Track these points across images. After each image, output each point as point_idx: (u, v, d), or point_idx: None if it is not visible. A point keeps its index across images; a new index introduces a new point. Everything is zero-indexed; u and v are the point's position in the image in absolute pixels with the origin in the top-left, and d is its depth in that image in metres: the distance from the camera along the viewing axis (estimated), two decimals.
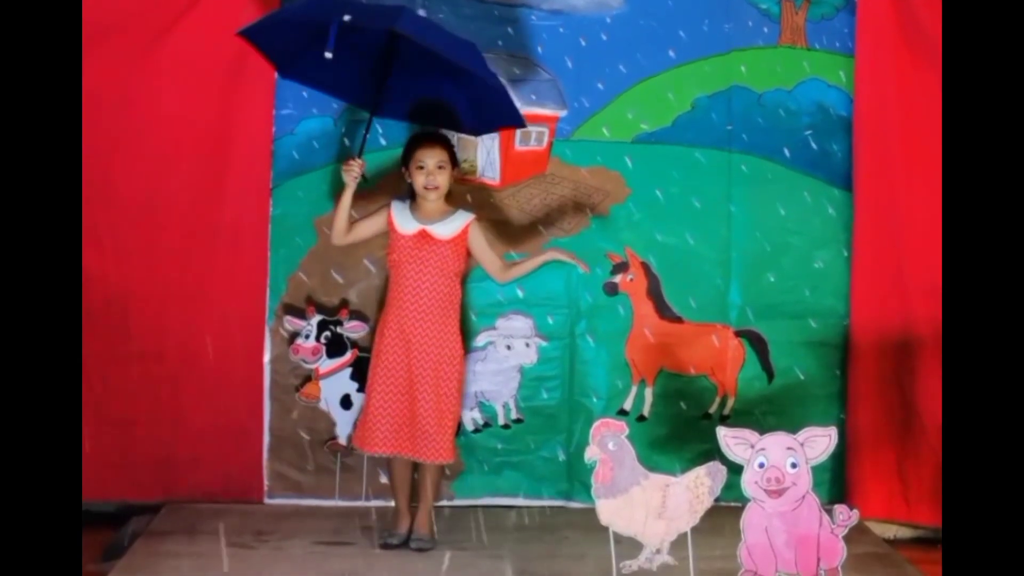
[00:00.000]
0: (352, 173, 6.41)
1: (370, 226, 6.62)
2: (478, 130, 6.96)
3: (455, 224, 6.54)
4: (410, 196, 6.62)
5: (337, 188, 7.09)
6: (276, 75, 7.02)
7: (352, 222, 6.55)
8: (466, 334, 6.84)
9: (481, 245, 6.62)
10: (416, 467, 6.60)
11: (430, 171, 6.46)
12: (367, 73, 6.55)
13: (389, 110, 6.83)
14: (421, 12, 7.08)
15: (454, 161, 6.62)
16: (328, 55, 5.99)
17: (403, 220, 6.52)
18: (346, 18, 6.00)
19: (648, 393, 7.35)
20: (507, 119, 6.75)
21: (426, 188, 6.47)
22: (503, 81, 6.74)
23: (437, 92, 6.74)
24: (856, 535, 5.54)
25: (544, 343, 7.28)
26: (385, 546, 6.47)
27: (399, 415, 6.46)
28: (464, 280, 6.75)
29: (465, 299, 6.93)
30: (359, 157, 6.49)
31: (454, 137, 7.04)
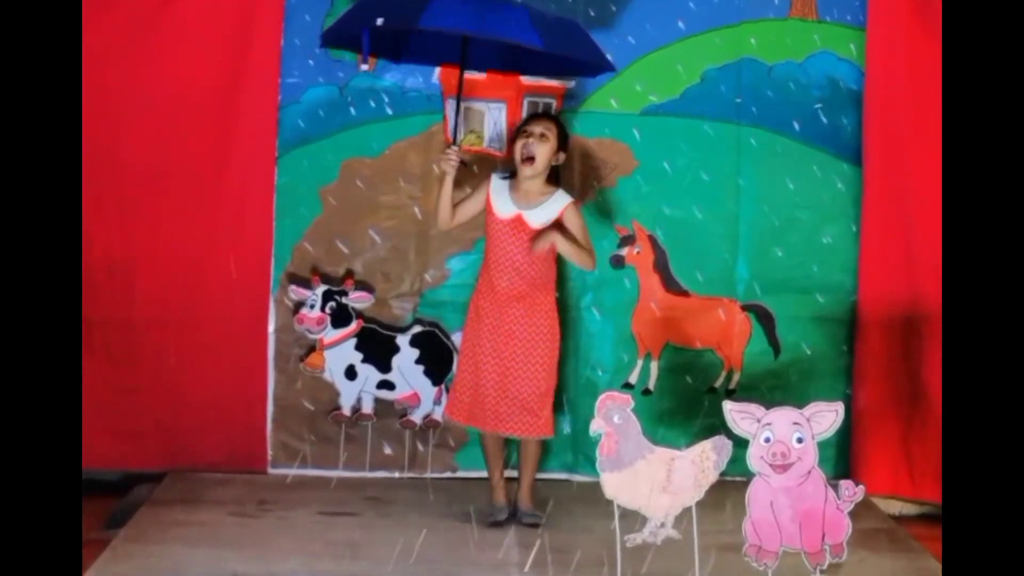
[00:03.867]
0: (451, 162, 6.40)
1: (473, 206, 6.58)
2: (596, 70, 6.84)
3: (551, 209, 6.45)
4: (512, 174, 6.59)
5: (343, 157, 7.26)
6: (282, 42, 7.11)
7: (455, 204, 6.54)
8: None
9: (577, 228, 6.48)
10: (518, 442, 6.67)
11: (531, 134, 6.40)
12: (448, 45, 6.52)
13: (475, 63, 6.78)
14: None
15: (562, 144, 6.52)
16: (364, 67, 6.34)
17: (501, 202, 6.47)
18: (379, 22, 5.95)
19: (654, 367, 7.38)
20: (592, 68, 6.74)
21: (523, 157, 6.40)
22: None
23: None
24: (861, 511, 5.51)
25: None
26: (494, 524, 6.47)
27: (486, 390, 6.46)
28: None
29: (470, 270, 7.00)
30: (454, 144, 6.49)
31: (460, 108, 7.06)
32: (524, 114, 7.18)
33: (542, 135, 6.41)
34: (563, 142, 6.54)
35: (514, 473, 6.77)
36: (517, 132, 6.57)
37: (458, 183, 6.52)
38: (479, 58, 6.74)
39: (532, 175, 6.44)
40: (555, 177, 6.62)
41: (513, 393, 6.42)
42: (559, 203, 6.47)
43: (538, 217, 6.42)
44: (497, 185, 6.53)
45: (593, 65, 6.65)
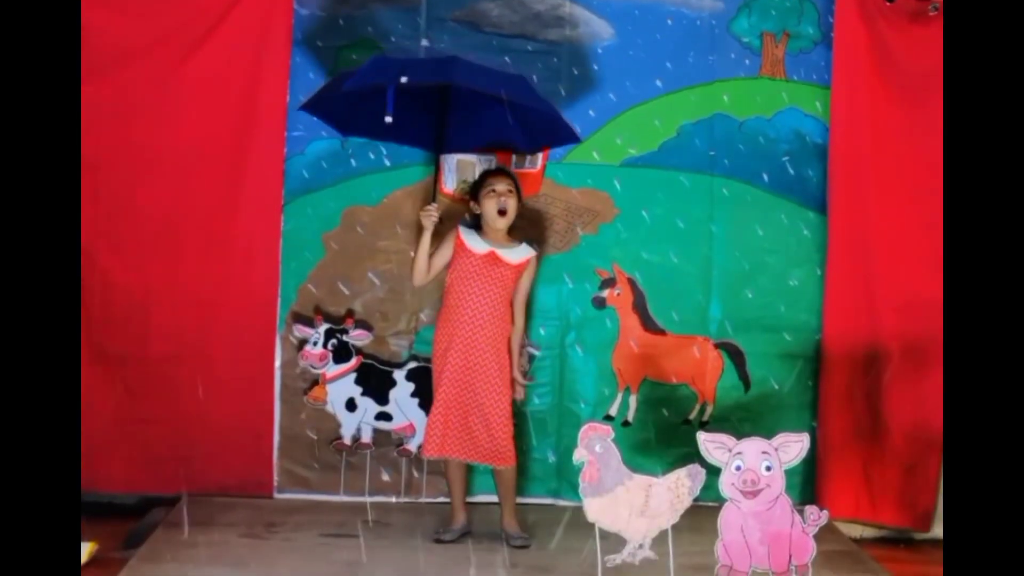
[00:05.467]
0: (432, 217, 6.52)
1: (444, 255, 6.67)
2: (532, 148, 7.14)
3: (521, 253, 6.64)
4: (476, 225, 6.74)
5: (344, 205, 7.36)
6: (287, 99, 7.20)
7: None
8: None
9: (529, 278, 6.71)
10: (492, 473, 6.74)
11: (501, 193, 6.59)
12: (424, 117, 6.64)
13: (451, 145, 6.96)
14: (424, 42, 7.24)
15: (519, 195, 6.74)
16: (388, 119, 6.20)
17: (473, 241, 6.60)
18: (403, 80, 6.15)
19: (633, 400, 7.45)
20: (561, 137, 6.95)
21: (499, 212, 6.58)
22: (554, 106, 6.87)
23: (492, 121, 6.85)
24: (825, 534, 5.56)
25: (536, 352, 7.38)
26: (437, 541, 6.57)
27: (457, 421, 6.54)
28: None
29: None
30: (434, 201, 6.63)
31: (452, 160, 7.27)
32: (513, 166, 7.28)
33: (509, 191, 6.62)
34: (519, 194, 6.75)
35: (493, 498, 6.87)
36: (480, 189, 6.70)
37: (433, 237, 6.60)
38: (459, 140, 6.97)
39: (505, 225, 6.64)
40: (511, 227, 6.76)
41: (487, 426, 6.52)
42: (527, 252, 6.68)
43: (511, 256, 6.61)
44: (466, 231, 6.67)
45: (563, 137, 6.96)
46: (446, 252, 6.68)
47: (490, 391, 6.56)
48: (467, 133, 6.97)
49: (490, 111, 6.74)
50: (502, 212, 6.60)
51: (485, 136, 7.06)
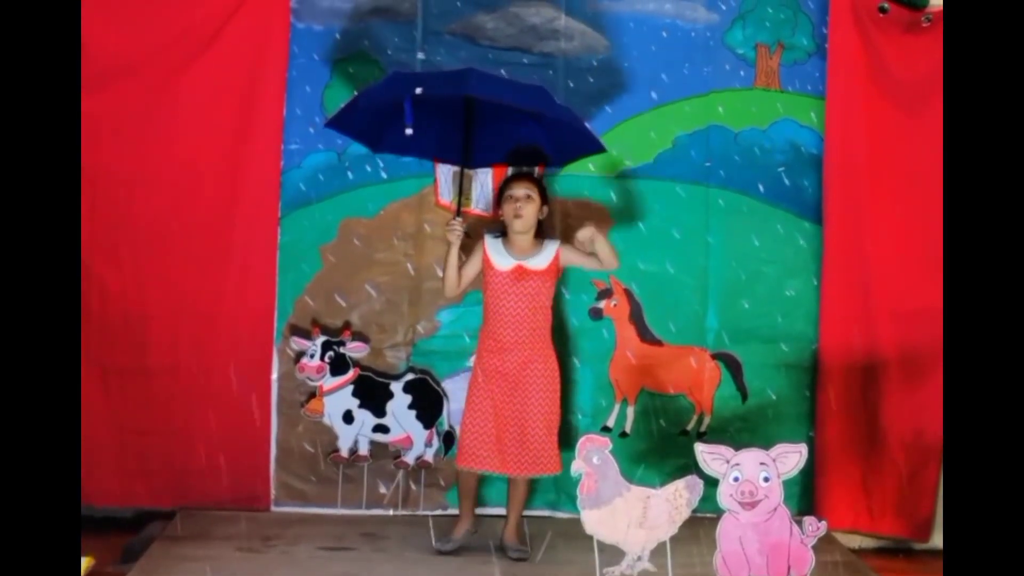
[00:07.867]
0: (456, 232, 6.46)
1: (473, 267, 6.60)
2: (561, 161, 7.02)
3: (547, 254, 6.55)
4: (502, 233, 6.66)
5: (340, 217, 7.30)
6: (284, 112, 7.18)
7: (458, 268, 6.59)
8: (464, 356, 6.94)
9: (579, 257, 6.60)
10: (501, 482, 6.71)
11: (518, 198, 6.50)
12: (450, 131, 6.60)
13: (478, 160, 6.92)
14: (420, 55, 7.23)
15: (544, 198, 6.64)
16: (408, 132, 6.12)
17: (498, 257, 6.53)
18: (418, 91, 6.09)
19: (630, 411, 7.40)
20: (587, 147, 6.76)
21: (515, 217, 6.50)
22: (576, 114, 6.69)
23: (519, 134, 6.80)
24: (824, 545, 5.57)
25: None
26: (438, 552, 6.50)
27: (501, 436, 6.46)
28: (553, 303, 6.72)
29: (459, 321, 7.09)
30: (458, 216, 6.56)
31: (448, 171, 7.22)
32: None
33: (527, 196, 6.52)
34: (544, 198, 6.64)
35: (499, 511, 6.80)
36: (502, 194, 6.62)
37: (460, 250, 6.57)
38: (487, 154, 6.91)
39: (523, 230, 6.53)
40: (540, 230, 6.67)
41: (525, 436, 6.44)
42: (552, 247, 6.58)
43: (538, 263, 6.52)
44: (492, 243, 6.59)
45: (588, 147, 6.78)
46: (475, 264, 6.62)
47: (539, 400, 6.49)
48: (494, 146, 6.90)
49: (517, 123, 6.70)
50: (517, 217, 6.51)
51: (512, 149, 7.00)
